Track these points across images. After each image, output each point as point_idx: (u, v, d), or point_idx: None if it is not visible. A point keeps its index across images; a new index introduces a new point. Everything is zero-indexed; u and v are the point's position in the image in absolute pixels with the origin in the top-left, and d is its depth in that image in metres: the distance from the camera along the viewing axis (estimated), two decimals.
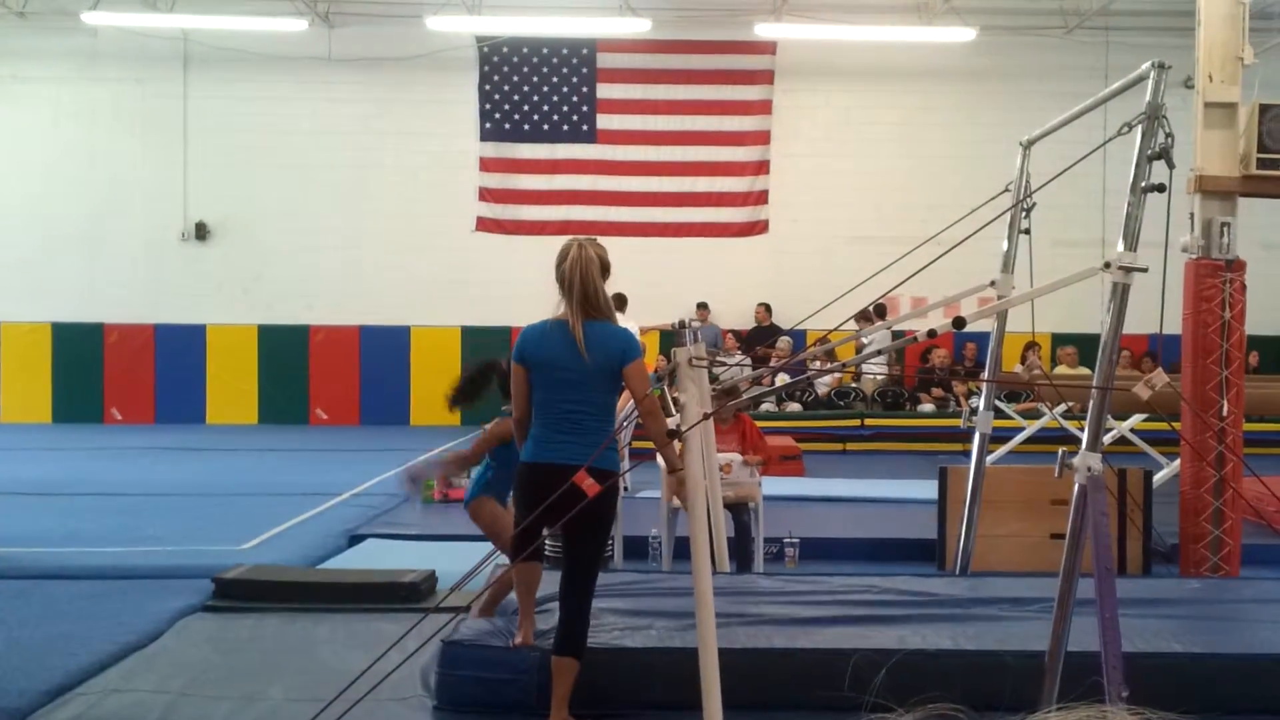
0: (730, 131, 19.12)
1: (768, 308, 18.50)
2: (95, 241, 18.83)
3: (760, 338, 18.02)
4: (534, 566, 5.62)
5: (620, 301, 17.96)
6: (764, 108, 19.13)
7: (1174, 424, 8.43)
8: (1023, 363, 16.38)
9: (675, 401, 4.84)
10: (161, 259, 18.97)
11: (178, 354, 18.92)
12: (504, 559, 6.11)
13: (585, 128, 19.07)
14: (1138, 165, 5.06)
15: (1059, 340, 17.88)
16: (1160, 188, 5.06)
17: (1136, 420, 12.10)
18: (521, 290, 16.01)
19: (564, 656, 5.28)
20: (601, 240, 5.59)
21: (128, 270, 18.88)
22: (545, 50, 19.00)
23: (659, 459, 6.87)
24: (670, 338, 5.34)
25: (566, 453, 5.19)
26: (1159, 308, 5.57)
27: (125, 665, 6.26)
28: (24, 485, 12.12)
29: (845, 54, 18.62)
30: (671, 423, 5.79)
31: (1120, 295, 5.03)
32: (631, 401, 5.88)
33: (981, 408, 7.93)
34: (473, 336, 18.67)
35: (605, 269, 5.41)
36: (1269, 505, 7.63)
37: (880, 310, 14.49)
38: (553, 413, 5.31)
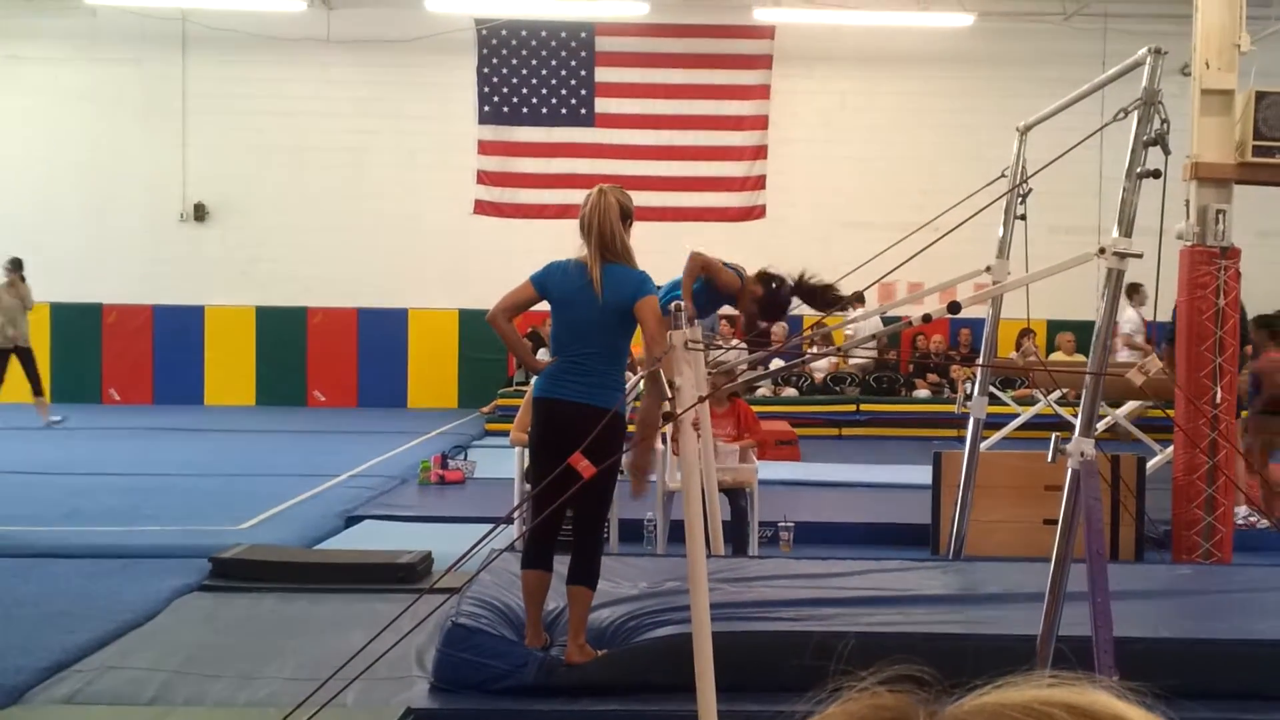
0: (728, 116, 19.09)
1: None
2: (94, 222, 18.80)
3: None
4: (542, 575, 5.59)
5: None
6: (762, 92, 19.10)
7: (1167, 410, 8.46)
8: (1018, 349, 16.41)
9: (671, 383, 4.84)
10: (160, 240, 18.95)
11: (176, 335, 18.92)
12: (499, 541, 6.10)
13: (584, 111, 19.04)
14: (1133, 150, 5.08)
15: (1054, 327, 17.86)
16: (1156, 174, 5.08)
17: (1131, 407, 12.14)
18: (519, 274, 15.87)
19: (577, 585, 5.47)
20: None
21: (126, 251, 18.85)
22: (544, 33, 18.96)
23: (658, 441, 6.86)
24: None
25: (573, 391, 5.45)
26: (1154, 294, 5.60)
27: (122, 643, 6.28)
28: (22, 464, 12.14)
29: (843, 39, 18.60)
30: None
31: (1115, 281, 5.06)
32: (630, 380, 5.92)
33: (976, 393, 7.95)
34: (470, 319, 18.67)
35: (626, 214, 5.59)
36: (1255, 490, 7.67)
37: (859, 297, 14.17)
38: (567, 351, 5.55)
